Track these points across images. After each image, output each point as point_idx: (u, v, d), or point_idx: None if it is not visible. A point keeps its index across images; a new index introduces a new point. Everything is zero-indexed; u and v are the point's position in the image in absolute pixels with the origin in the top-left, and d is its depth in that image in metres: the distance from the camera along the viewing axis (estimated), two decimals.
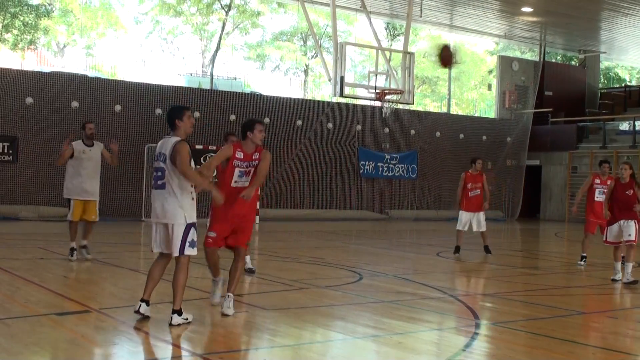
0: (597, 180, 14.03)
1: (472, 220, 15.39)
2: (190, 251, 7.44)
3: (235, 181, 8.15)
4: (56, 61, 42.26)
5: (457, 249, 15.31)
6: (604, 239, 12.04)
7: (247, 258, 10.99)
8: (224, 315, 8.01)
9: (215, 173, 8.39)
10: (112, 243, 16.21)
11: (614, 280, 11.63)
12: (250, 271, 11.45)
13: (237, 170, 8.15)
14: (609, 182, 13.21)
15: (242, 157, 8.17)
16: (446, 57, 9.98)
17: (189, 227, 7.42)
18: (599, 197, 13.62)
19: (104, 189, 22.53)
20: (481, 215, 15.45)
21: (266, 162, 8.18)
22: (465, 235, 15.60)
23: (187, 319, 7.44)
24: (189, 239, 7.40)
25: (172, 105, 7.86)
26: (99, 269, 11.81)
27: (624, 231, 11.58)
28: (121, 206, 23.07)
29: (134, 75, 42.08)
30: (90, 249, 12.59)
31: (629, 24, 29.99)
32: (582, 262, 13.98)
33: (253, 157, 8.21)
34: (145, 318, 7.53)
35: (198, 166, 7.93)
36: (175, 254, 7.42)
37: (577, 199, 14.61)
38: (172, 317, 7.38)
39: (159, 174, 7.38)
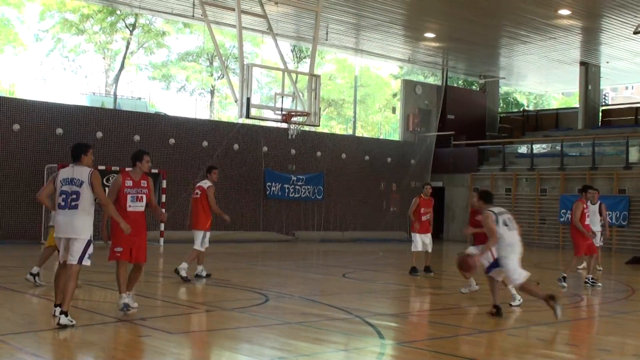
0: (585, 205, 14.41)
1: (424, 241, 16.04)
2: (87, 262, 8.59)
3: (129, 205, 9.52)
4: None
5: (414, 270, 15.69)
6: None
7: (185, 265, 13.33)
8: (132, 307, 9.34)
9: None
10: (9, 267, 15.63)
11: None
12: (185, 278, 13.16)
13: (129, 196, 9.53)
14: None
15: (131, 184, 9.59)
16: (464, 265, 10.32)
17: (89, 242, 8.58)
18: (586, 220, 14.28)
19: (0, 211, 21.90)
20: (430, 236, 16.19)
21: (152, 189, 9.80)
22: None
23: (72, 321, 8.23)
24: (88, 251, 8.55)
25: (79, 142, 9.14)
26: None
27: None
28: (19, 228, 22.29)
29: (34, 93, 40.93)
30: None
31: (527, 51, 31.12)
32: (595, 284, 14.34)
33: (141, 184, 9.68)
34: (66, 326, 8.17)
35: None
36: (74, 262, 8.47)
37: (580, 227, 14.16)
38: (59, 317, 8.23)
39: (74, 196, 8.54)
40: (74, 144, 8.98)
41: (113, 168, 21.76)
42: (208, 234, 14.00)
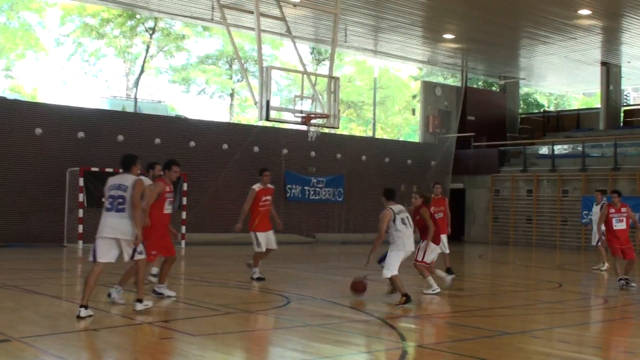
0: (612, 210, 14.65)
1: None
2: (139, 257, 9.54)
3: (167, 208, 10.98)
4: None
5: (448, 270, 15.47)
6: (422, 259, 12.64)
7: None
8: (170, 297, 11.04)
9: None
10: (32, 269, 15.75)
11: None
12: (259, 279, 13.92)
13: (167, 200, 10.95)
14: (622, 209, 14.58)
15: (168, 189, 10.96)
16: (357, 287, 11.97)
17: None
18: (617, 225, 14.54)
19: (24, 215, 22.07)
20: (445, 237, 15.74)
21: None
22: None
23: (147, 305, 9.67)
24: (138, 249, 9.49)
25: (129, 153, 10.05)
26: (20, 296, 11.44)
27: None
28: (42, 231, 22.44)
29: (55, 97, 41.25)
30: None
31: (547, 51, 30.95)
32: (629, 284, 14.28)
33: (171, 189, 11.09)
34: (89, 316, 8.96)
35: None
36: (127, 259, 9.47)
37: (598, 231, 15.56)
38: (135, 304, 9.59)
39: (120, 200, 9.42)
40: (124, 155, 9.95)
41: None
42: (261, 234, 13.99)
